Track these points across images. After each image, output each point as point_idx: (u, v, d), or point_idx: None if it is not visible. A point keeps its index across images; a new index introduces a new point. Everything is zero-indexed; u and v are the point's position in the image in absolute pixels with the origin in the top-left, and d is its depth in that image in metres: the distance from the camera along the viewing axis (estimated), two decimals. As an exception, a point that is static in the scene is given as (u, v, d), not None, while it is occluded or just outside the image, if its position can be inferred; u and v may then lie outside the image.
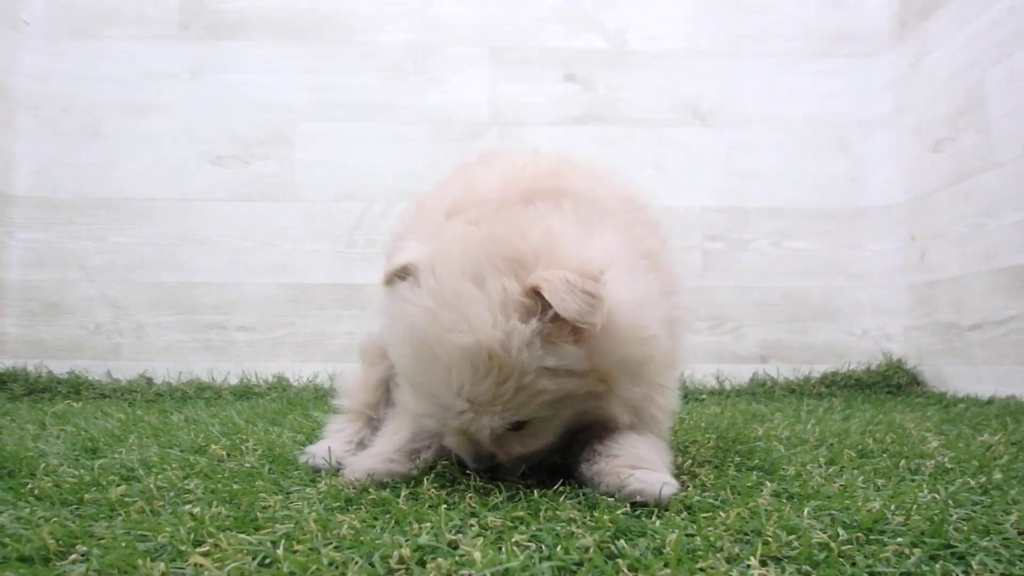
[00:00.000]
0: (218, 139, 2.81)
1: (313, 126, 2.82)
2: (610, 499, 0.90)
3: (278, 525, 0.79)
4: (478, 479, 1.00)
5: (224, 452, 1.25)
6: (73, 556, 0.71)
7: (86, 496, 0.93)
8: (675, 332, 1.12)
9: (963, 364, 2.46)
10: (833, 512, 0.86)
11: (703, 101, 2.87)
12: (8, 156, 2.74)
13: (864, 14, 2.91)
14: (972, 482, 1.03)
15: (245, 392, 2.49)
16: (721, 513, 0.85)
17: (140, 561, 0.67)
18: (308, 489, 0.98)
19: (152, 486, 0.97)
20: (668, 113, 2.87)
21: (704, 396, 2.44)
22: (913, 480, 1.06)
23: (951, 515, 0.84)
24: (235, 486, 0.97)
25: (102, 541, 0.74)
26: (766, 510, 0.86)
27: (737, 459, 1.21)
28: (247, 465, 1.12)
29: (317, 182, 2.81)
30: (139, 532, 0.76)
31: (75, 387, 2.52)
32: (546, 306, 0.88)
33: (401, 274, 0.97)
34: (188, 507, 0.86)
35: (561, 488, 0.97)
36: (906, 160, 2.77)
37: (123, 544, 0.72)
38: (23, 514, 0.85)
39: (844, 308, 2.82)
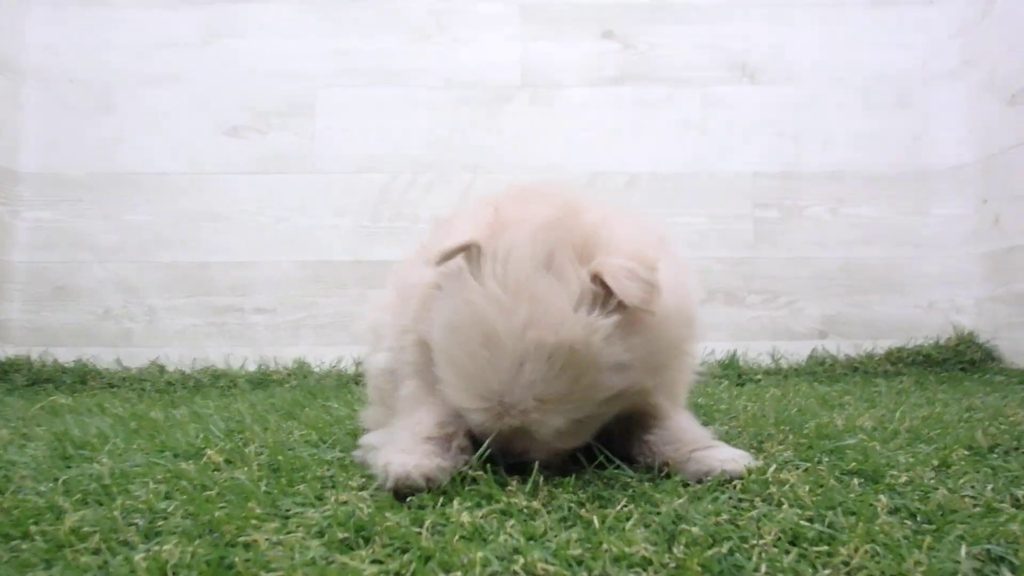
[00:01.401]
0: (233, 109, 2.63)
1: (332, 93, 2.63)
2: (693, 530, 0.70)
3: (264, 573, 0.60)
4: (521, 497, 0.81)
5: (221, 458, 1.07)
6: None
7: (33, 528, 0.75)
8: None
9: (1048, 338, 2.21)
10: (990, 546, 0.65)
11: (751, 56, 2.62)
12: (14, 131, 2.60)
13: (931, -48, 2.63)
14: None
15: (263, 380, 2.33)
16: (840, 548, 0.65)
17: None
18: (311, 511, 0.79)
19: (117, 513, 0.79)
20: (714, 71, 2.63)
21: (760, 376, 2.23)
22: (1065, 491, 0.85)
23: None
24: (221, 510, 0.79)
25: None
26: (899, 541, 0.66)
27: (827, 460, 1.01)
28: (242, 479, 0.93)
29: (338, 152, 2.62)
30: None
31: (81, 376, 2.37)
32: (611, 295, 0.85)
33: (459, 255, 0.90)
34: (155, 543, 0.69)
35: (625, 509, 0.78)
36: (977, 116, 2.50)
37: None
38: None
39: (909, 279, 2.57)
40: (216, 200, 2.61)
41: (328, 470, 1.00)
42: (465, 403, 0.90)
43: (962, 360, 2.40)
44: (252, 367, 2.47)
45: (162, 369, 2.47)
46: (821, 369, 2.38)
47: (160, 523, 0.76)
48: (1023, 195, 2.30)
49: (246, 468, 0.99)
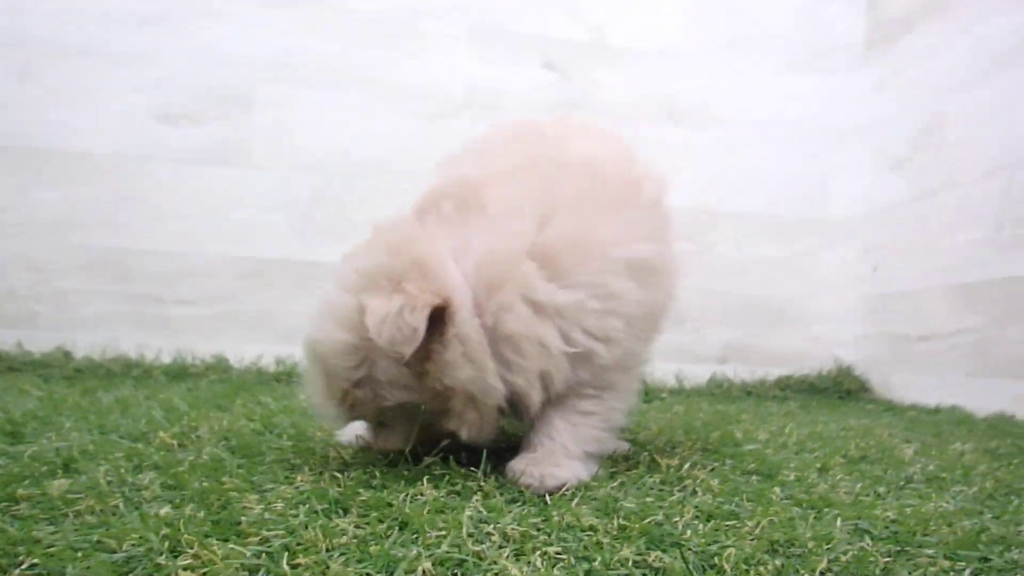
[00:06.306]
0: (168, 94, 2.55)
1: (275, 88, 2.62)
2: (629, 505, 0.84)
3: (267, 531, 0.67)
4: (482, 481, 0.91)
5: (174, 441, 1.11)
6: (18, 571, 0.57)
7: (19, 491, 0.78)
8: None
9: (910, 373, 2.53)
10: (859, 522, 0.84)
11: (677, 102, 2.82)
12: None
13: (836, 31, 2.93)
14: (967, 491, 1.05)
15: (180, 373, 2.30)
16: (747, 522, 0.80)
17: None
18: (284, 487, 0.85)
19: (102, 480, 0.83)
20: (642, 110, 2.80)
21: (665, 395, 2.40)
22: (911, 488, 1.07)
23: (968, 526, 0.84)
24: (200, 483, 0.84)
25: (51, 550, 0.61)
26: (791, 518, 0.83)
27: (730, 462, 1.17)
28: (205, 457, 0.98)
29: (275, 149, 2.60)
30: (97, 539, 0.64)
31: (-21, 357, 2.26)
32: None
33: None
34: (151, 507, 0.74)
35: (567, 493, 0.89)
36: (866, 176, 2.83)
37: (80, 554, 0.60)
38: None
39: (801, 314, 2.83)
40: (142, 186, 2.53)
41: (284, 455, 1.05)
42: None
43: (840, 389, 2.67)
44: (167, 359, 2.42)
45: (68, 355, 2.38)
46: (720, 391, 2.58)
47: (142, 492, 0.81)
48: (900, 248, 2.63)
49: (208, 448, 1.04)
